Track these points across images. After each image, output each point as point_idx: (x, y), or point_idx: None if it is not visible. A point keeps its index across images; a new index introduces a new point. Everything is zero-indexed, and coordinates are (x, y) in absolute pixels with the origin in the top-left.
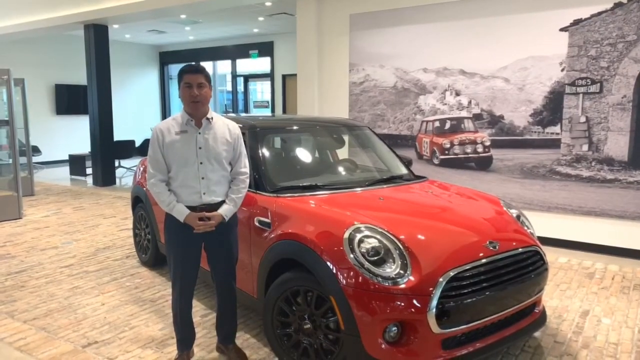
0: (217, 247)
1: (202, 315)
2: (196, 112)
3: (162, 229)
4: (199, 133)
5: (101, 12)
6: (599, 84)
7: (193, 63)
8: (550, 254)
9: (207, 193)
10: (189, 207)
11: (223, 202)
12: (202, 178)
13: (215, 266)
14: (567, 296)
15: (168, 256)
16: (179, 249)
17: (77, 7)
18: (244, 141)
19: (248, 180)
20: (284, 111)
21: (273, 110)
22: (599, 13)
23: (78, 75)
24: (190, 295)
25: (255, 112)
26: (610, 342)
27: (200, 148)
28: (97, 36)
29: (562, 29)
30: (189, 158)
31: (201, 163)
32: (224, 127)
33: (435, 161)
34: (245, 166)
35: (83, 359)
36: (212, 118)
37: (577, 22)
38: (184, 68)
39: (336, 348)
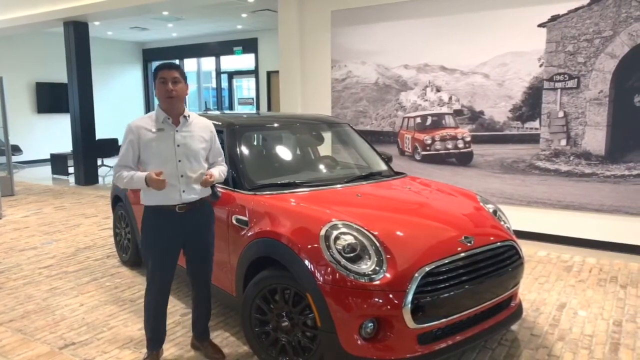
0: (197, 247)
1: (182, 314)
2: (172, 108)
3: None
4: (177, 131)
5: (80, 9)
6: (576, 80)
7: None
8: (530, 248)
9: (187, 191)
10: (168, 206)
11: (202, 199)
12: (181, 176)
13: (193, 265)
14: (545, 289)
15: (145, 257)
16: (158, 250)
17: (55, 4)
18: (223, 139)
19: (226, 169)
20: (269, 108)
21: (258, 107)
22: (576, 9)
23: (60, 73)
24: (167, 296)
25: (240, 110)
26: (586, 334)
27: (178, 146)
28: (77, 33)
29: (540, 25)
30: (168, 156)
31: (179, 161)
32: (201, 125)
33: (417, 157)
34: (222, 155)
35: None
36: (189, 116)
37: (554, 18)
38: (159, 65)
39: (313, 345)
